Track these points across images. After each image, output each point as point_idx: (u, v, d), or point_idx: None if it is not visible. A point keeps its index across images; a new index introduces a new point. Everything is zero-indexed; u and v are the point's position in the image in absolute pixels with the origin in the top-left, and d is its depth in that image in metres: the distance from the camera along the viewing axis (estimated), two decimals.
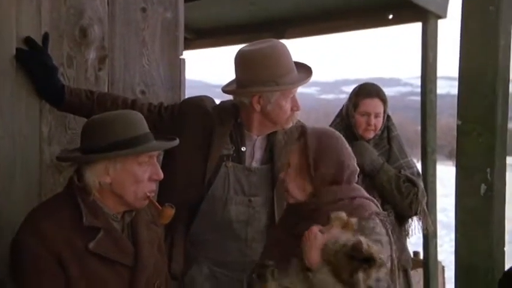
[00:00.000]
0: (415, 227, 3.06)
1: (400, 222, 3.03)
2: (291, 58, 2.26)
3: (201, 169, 2.27)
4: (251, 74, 2.22)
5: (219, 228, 2.29)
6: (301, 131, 2.08)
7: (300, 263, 1.90)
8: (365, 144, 2.98)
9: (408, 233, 3.08)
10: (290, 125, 2.29)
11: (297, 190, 2.02)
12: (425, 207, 3.01)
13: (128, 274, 1.85)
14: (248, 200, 2.29)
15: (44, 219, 1.75)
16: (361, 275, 1.78)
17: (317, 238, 1.87)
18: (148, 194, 1.90)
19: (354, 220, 1.89)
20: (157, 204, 2.00)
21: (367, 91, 3.04)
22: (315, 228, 1.89)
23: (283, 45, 2.27)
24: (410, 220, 3.05)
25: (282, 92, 2.22)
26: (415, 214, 3.00)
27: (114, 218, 1.87)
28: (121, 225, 1.91)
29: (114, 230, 1.85)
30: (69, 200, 1.81)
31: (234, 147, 2.31)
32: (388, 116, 3.08)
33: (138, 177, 1.85)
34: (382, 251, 1.82)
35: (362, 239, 1.80)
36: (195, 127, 2.26)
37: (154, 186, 1.92)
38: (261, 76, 2.20)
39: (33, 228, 1.73)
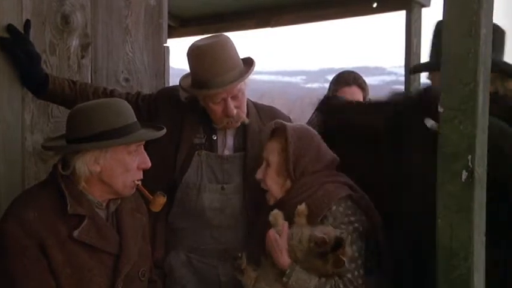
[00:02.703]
0: None
1: None
2: (225, 59, 2.17)
3: (172, 158, 2.29)
4: (191, 72, 2.27)
5: (194, 215, 2.30)
6: (278, 129, 2.13)
7: (269, 262, 2.00)
8: None
9: None
10: (222, 126, 2.29)
11: (277, 189, 2.09)
12: None
13: (112, 262, 1.86)
14: (221, 187, 2.30)
15: (28, 207, 1.74)
16: (345, 260, 1.87)
17: (278, 242, 1.96)
18: (136, 182, 1.90)
19: (302, 206, 1.99)
20: (147, 192, 2.00)
21: (344, 79, 3.04)
22: (272, 233, 1.98)
23: (222, 45, 2.19)
24: None
25: (207, 95, 2.21)
26: None
27: (98, 206, 1.87)
28: (106, 213, 1.91)
29: (99, 218, 1.86)
30: (53, 188, 1.80)
31: (205, 136, 2.33)
32: None
33: (128, 165, 1.86)
34: (337, 230, 1.92)
35: (317, 232, 1.89)
36: (166, 116, 2.27)
37: (141, 175, 1.92)
38: (193, 77, 2.25)
39: (16, 216, 1.72)
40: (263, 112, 2.44)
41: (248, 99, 2.40)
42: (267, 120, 2.39)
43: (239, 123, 2.31)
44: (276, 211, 2.04)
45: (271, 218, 2.04)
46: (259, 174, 2.11)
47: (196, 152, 2.30)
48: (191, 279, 2.34)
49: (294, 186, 2.06)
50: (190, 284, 2.33)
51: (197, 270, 2.34)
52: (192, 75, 2.26)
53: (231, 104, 2.22)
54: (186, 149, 2.29)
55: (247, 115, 2.36)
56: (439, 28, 2.19)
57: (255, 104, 2.46)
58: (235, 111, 2.23)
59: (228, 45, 2.21)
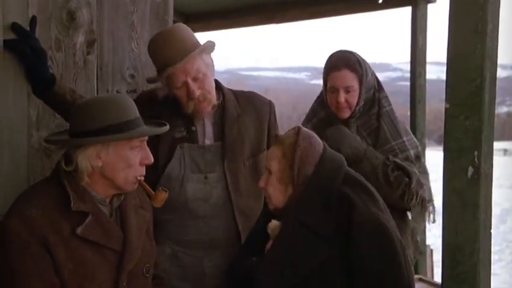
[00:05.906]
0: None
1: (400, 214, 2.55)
2: (181, 40, 2.22)
3: (153, 155, 2.28)
4: (153, 62, 2.33)
5: (177, 207, 2.30)
6: (278, 135, 2.08)
7: None
8: (342, 128, 2.57)
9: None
10: (191, 110, 2.29)
11: (280, 197, 2.02)
12: (424, 197, 2.57)
13: (116, 259, 1.86)
14: (204, 176, 2.32)
15: (31, 205, 1.74)
16: None
17: None
18: (138, 178, 1.90)
19: (273, 223, 2.00)
20: (149, 188, 2.00)
21: (333, 63, 2.57)
22: None
23: (176, 29, 2.26)
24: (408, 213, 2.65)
25: (167, 81, 2.25)
26: (407, 205, 2.55)
27: (102, 202, 1.87)
28: (109, 209, 1.91)
29: (103, 214, 1.85)
30: (57, 185, 1.81)
31: (185, 129, 2.34)
32: (380, 87, 2.62)
33: (130, 161, 1.85)
34: None
35: None
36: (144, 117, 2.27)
37: (144, 171, 1.92)
38: (156, 65, 2.30)
39: (19, 214, 1.73)
40: (241, 97, 2.47)
41: (226, 87, 2.45)
42: (245, 104, 2.43)
43: (209, 106, 2.31)
44: (274, 222, 2.01)
45: (269, 230, 2.01)
46: (261, 183, 2.07)
47: (179, 145, 2.32)
48: (175, 272, 2.34)
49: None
50: (175, 277, 2.33)
51: (182, 263, 2.35)
52: (155, 64, 2.31)
53: (192, 85, 2.23)
54: (167, 145, 2.31)
55: (225, 101, 2.39)
56: None
57: (233, 91, 2.49)
58: (197, 92, 2.24)
59: (184, 30, 2.27)
